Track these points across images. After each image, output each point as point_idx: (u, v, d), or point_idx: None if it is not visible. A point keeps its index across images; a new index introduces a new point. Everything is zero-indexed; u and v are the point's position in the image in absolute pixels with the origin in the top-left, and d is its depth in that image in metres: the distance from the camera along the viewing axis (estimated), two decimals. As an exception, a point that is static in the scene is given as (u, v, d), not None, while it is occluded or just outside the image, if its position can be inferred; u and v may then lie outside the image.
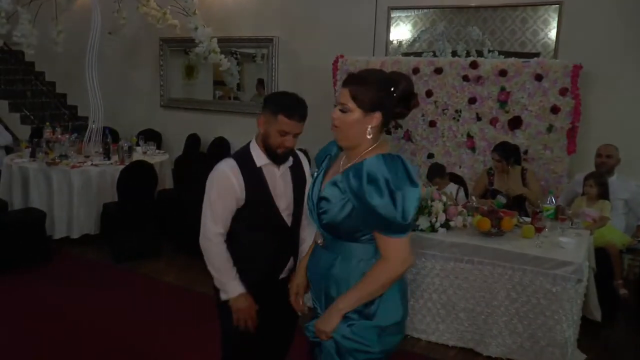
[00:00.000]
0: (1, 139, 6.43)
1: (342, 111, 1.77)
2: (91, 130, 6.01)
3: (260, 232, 2.24)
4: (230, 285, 2.21)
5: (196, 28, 6.01)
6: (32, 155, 5.59)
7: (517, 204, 4.38)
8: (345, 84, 1.78)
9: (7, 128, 7.26)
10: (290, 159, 2.27)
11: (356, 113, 1.75)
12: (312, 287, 2.02)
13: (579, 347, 3.45)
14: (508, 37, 5.50)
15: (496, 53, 5.48)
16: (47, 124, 6.13)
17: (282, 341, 2.52)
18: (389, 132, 5.19)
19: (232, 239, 2.25)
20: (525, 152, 4.97)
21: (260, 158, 2.19)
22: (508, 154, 4.51)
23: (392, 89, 1.74)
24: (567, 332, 3.27)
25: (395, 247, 1.71)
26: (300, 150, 2.59)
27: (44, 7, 6.14)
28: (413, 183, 1.67)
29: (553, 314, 3.29)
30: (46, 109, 8.31)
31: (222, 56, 6.26)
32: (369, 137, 1.77)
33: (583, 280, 3.26)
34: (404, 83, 1.76)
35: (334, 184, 1.79)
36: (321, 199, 1.82)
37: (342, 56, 5.85)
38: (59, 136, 5.78)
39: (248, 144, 2.25)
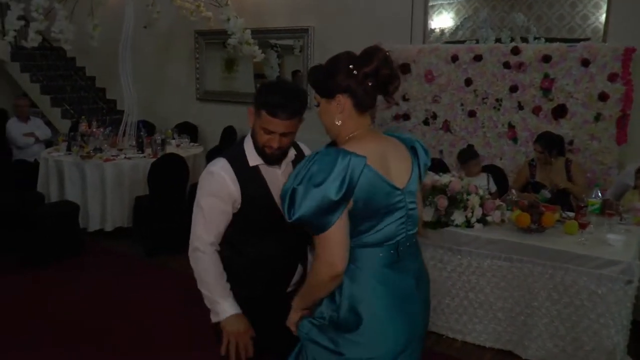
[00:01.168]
0: (41, 133, 6.53)
1: (316, 106, 1.72)
2: (125, 124, 6.03)
3: (262, 238, 2.00)
4: (223, 305, 1.93)
5: (228, 19, 5.94)
6: (68, 149, 5.64)
7: (561, 198, 4.12)
8: (308, 76, 1.72)
9: (48, 123, 7.40)
10: (292, 153, 2.03)
11: (322, 103, 1.69)
12: None
13: (629, 354, 3.17)
14: (556, 22, 5.20)
15: (542, 40, 5.16)
16: (83, 117, 6.18)
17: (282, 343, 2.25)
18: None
19: (231, 249, 2.02)
20: (571, 142, 4.68)
21: (253, 157, 1.96)
22: (551, 144, 4.26)
23: (352, 67, 1.61)
24: (615, 338, 3.02)
25: (319, 245, 1.57)
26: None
27: (80, 3, 6.18)
28: (318, 184, 1.50)
29: (599, 317, 3.05)
30: (85, 104, 8.43)
31: (256, 47, 6.17)
32: (337, 123, 1.66)
33: (633, 280, 2.99)
34: (372, 57, 1.61)
35: None
36: None
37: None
38: (94, 130, 5.82)
39: (242, 140, 2.00)
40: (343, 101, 1.64)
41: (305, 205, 1.51)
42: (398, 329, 1.67)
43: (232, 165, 1.92)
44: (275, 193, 1.95)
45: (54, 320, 3.77)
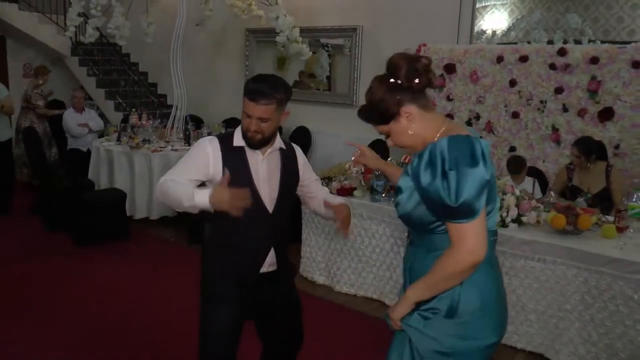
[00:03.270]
0: (94, 125, 6.83)
1: (387, 138, 1.76)
2: (174, 117, 6.23)
3: (241, 218, 1.97)
4: (198, 200, 1.94)
5: (277, 17, 6.05)
6: (118, 139, 5.89)
7: (600, 201, 4.02)
8: (363, 119, 1.75)
9: (102, 115, 7.72)
10: (279, 143, 2.21)
11: (392, 128, 1.71)
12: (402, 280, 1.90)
13: (666, 363, 3.09)
14: (614, 25, 5.07)
15: (598, 43, 5.01)
16: (133, 110, 6.43)
17: (282, 339, 2.41)
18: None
19: (210, 227, 2.21)
20: (617, 146, 4.55)
21: (238, 139, 2.14)
22: (590, 149, 4.16)
23: (393, 80, 1.64)
24: (651, 346, 2.94)
25: (461, 234, 1.54)
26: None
27: (136, 1, 6.44)
28: (474, 162, 1.50)
29: (635, 323, 2.97)
30: (137, 97, 8.75)
31: (304, 45, 6.26)
32: (410, 132, 1.68)
33: (672, 287, 2.91)
34: (400, 63, 1.64)
35: (406, 172, 1.69)
36: (397, 189, 1.73)
37: (424, 45, 5.66)
38: (144, 122, 6.04)
39: (235, 128, 2.23)
40: (408, 110, 1.66)
41: (468, 187, 1.50)
42: (501, 318, 1.73)
43: (219, 142, 2.14)
44: (256, 177, 2.14)
45: (94, 297, 3.98)
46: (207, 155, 2.10)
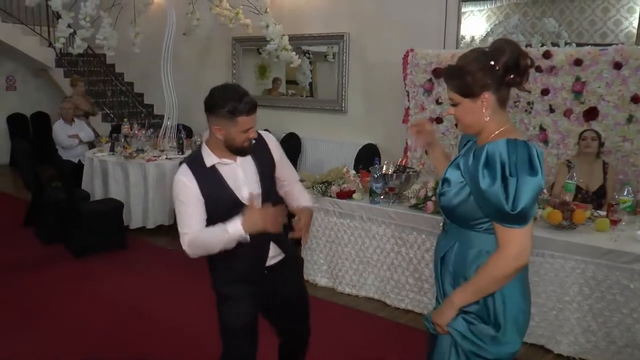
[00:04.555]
0: (85, 135, 6.81)
1: (453, 105, 1.73)
2: (166, 127, 6.27)
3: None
4: (233, 231, 2.03)
5: (267, 26, 6.13)
6: (112, 149, 5.90)
7: (597, 198, 4.16)
8: (444, 78, 1.74)
9: (89, 125, 7.69)
10: None
11: (464, 103, 1.69)
12: (434, 271, 1.94)
13: (661, 349, 3.24)
14: (587, 27, 5.27)
15: (574, 45, 5.21)
16: (125, 119, 6.45)
17: (292, 327, 2.51)
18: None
19: None
20: (602, 144, 4.72)
21: (209, 158, 2.14)
22: (600, 138, 4.32)
23: (493, 63, 1.62)
24: (647, 332, 3.09)
25: (509, 238, 1.59)
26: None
27: (122, 11, 6.46)
28: (533, 172, 1.54)
29: (631, 312, 3.11)
30: (125, 108, 8.77)
31: (293, 53, 6.35)
32: (486, 119, 1.68)
33: (666, 276, 3.06)
34: (506, 50, 1.62)
35: (457, 165, 1.73)
36: (443, 180, 1.76)
37: (412, 50, 5.79)
38: (136, 132, 6.06)
39: (199, 147, 2.21)
40: (488, 98, 1.65)
41: (526, 195, 1.53)
42: (528, 320, 1.79)
43: (191, 171, 2.12)
44: (236, 187, 2.17)
45: (96, 307, 3.99)
46: (194, 190, 2.10)
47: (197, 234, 2.11)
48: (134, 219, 5.57)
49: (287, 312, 2.46)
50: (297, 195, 2.45)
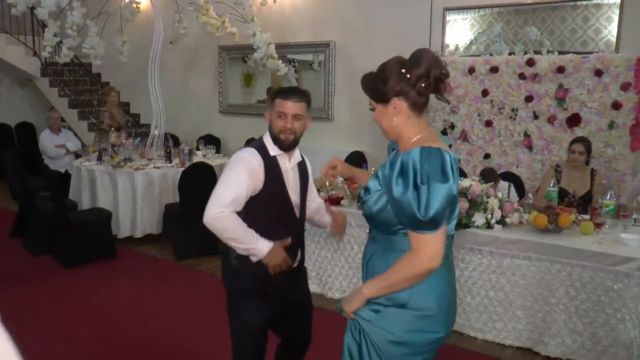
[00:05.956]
0: (72, 145, 6.80)
1: (372, 110, 1.82)
2: (153, 135, 6.27)
3: (274, 224, 2.27)
4: (258, 247, 2.20)
5: (254, 34, 6.17)
6: (99, 158, 5.88)
7: (584, 203, 4.25)
8: (361, 84, 1.81)
9: (75, 135, 7.66)
10: (298, 155, 2.39)
11: (378, 108, 1.79)
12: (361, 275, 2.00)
13: (645, 348, 3.31)
14: (568, 36, 5.39)
15: (556, 53, 5.35)
16: (112, 129, 6.43)
17: (297, 332, 2.57)
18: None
19: None
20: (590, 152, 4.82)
21: (273, 148, 2.28)
22: (589, 148, 4.39)
23: (404, 71, 1.69)
24: (631, 332, 3.15)
25: (422, 242, 1.64)
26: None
27: (109, 21, 6.47)
28: (445, 179, 1.59)
29: (615, 312, 3.19)
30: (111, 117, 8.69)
31: (280, 61, 6.40)
32: (393, 125, 1.75)
33: (649, 276, 3.13)
34: (421, 59, 1.68)
35: (376, 175, 1.78)
36: (365, 189, 1.81)
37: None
38: (124, 141, 6.06)
39: (261, 137, 2.34)
40: (399, 104, 1.72)
41: (437, 202, 1.58)
42: (450, 316, 1.82)
43: (260, 155, 2.25)
44: (288, 186, 2.30)
45: (88, 318, 3.97)
46: (255, 169, 2.20)
47: (234, 216, 2.16)
48: (122, 228, 5.54)
49: (294, 316, 2.50)
50: (321, 206, 2.58)
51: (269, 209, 2.26)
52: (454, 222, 1.78)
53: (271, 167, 2.25)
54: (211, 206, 2.16)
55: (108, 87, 7.33)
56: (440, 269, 1.70)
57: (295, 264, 2.41)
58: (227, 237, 2.19)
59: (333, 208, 2.54)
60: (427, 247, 1.64)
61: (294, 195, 2.34)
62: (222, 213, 2.14)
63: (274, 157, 2.27)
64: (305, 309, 2.56)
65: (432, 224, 1.60)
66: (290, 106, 2.23)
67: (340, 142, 6.88)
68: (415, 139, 1.73)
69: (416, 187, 1.59)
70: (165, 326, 3.84)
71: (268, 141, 2.30)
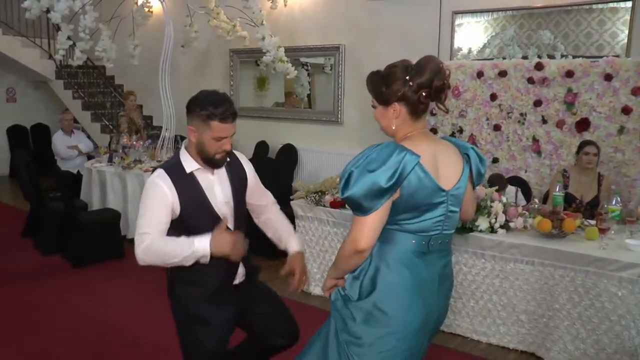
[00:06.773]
0: (84, 147, 6.89)
1: (373, 107, 1.90)
2: (164, 138, 6.33)
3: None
4: (197, 246, 2.04)
5: (263, 38, 6.20)
6: (110, 160, 5.96)
7: (591, 208, 4.20)
8: (366, 82, 1.88)
9: (88, 137, 7.77)
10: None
11: (379, 108, 1.87)
12: None
13: (650, 355, 3.27)
14: (583, 40, 5.33)
15: (570, 57, 5.26)
16: (130, 132, 6.51)
17: (280, 328, 2.40)
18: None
19: None
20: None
21: (189, 164, 2.13)
22: (599, 150, 4.36)
23: (407, 78, 1.76)
24: (636, 339, 3.11)
25: (352, 224, 1.76)
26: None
27: (121, 24, 6.56)
28: (375, 170, 1.67)
29: (620, 319, 3.15)
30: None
31: (289, 65, 6.42)
32: (393, 127, 1.84)
33: (654, 283, 3.09)
34: (425, 69, 1.75)
35: None
36: None
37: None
38: (134, 143, 6.12)
39: (178, 152, 2.20)
40: (399, 108, 1.80)
41: (357, 187, 1.69)
42: (412, 313, 1.82)
43: (168, 174, 2.10)
44: (212, 198, 2.16)
45: (96, 317, 4.02)
46: (165, 196, 2.07)
47: (158, 239, 2.06)
48: (132, 228, 5.60)
49: (268, 317, 2.39)
50: (281, 227, 2.43)
51: (200, 224, 2.10)
52: (428, 222, 1.81)
53: (186, 186, 2.11)
54: (136, 245, 2.08)
55: (127, 91, 7.41)
56: (399, 265, 1.79)
57: (238, 282, 2.27)
58: (168, 260, 2.07)
59: (292, 245, 2.39)
60: (354, 228, 1.75)
61: (225, 206, 2.19)
62: (148, 244, 2.05)
63: (191, 173, 2.13)
64: (267, 294, 2.42)
65: (353, 206, 1.73)
66: (230, 128, 2.08)
67: (349, 145, 6.87)
68: (403, 137, 1.83)
69: (350, 170, 1.73)
70: (173, 326, 3.86)
71: (186, 158, 2.15)
